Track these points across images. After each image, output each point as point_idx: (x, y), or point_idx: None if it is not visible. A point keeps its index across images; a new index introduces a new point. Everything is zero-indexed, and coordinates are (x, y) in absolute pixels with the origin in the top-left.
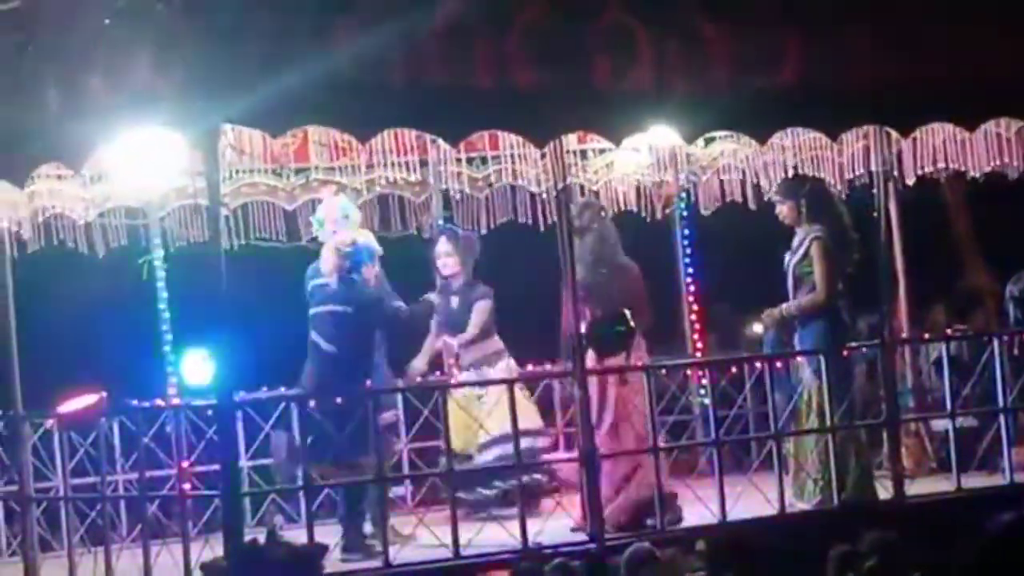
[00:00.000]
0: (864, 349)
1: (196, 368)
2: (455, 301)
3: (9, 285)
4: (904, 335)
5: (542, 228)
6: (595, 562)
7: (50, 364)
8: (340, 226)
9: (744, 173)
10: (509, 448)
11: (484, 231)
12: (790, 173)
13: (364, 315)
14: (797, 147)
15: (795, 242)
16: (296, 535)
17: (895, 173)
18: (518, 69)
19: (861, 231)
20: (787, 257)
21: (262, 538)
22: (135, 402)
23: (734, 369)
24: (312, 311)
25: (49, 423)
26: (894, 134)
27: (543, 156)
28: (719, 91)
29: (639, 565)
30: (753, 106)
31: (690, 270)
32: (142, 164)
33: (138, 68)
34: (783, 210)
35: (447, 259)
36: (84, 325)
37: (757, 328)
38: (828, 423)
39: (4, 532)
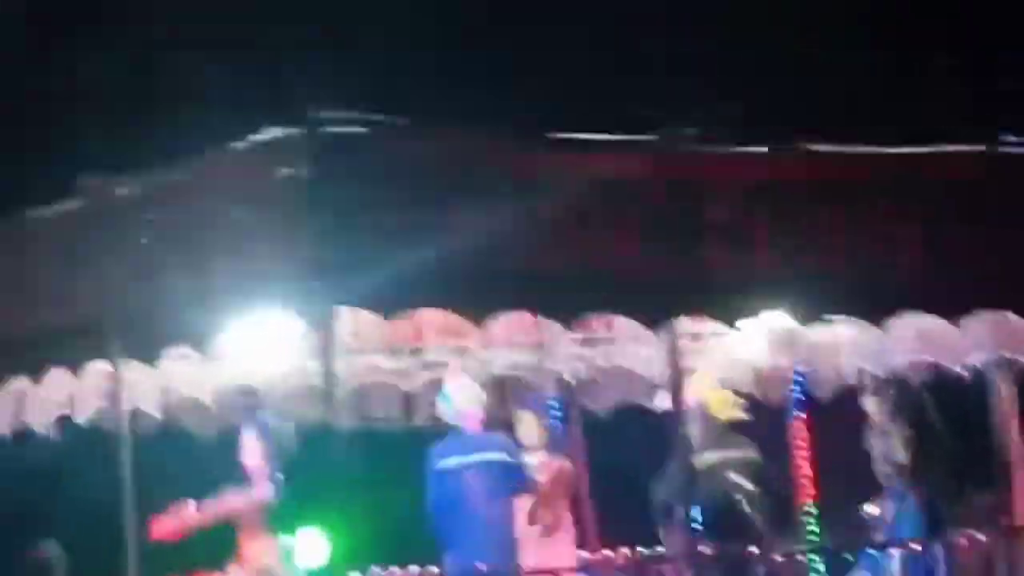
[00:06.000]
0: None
1: (308, 548)
2: None
3: (128, 466)
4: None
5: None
6: None
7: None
8: (473, 406)
9: (860, 357)
10: None
11: (601, 412)
12: (908, 358)
13: None
14: (916, 331)
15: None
16: None
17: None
18: (632, 253)
19: (974, 417)
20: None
21: None
22: None
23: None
24: None
25: None
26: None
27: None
28: (835, 277)
29: None
30: (871, 291)
31: (804, 454)
32: (261, 343)
33: (260, 250)
34: (869, 406)
35: None
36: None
37: (871, 509)
38: None
39: None
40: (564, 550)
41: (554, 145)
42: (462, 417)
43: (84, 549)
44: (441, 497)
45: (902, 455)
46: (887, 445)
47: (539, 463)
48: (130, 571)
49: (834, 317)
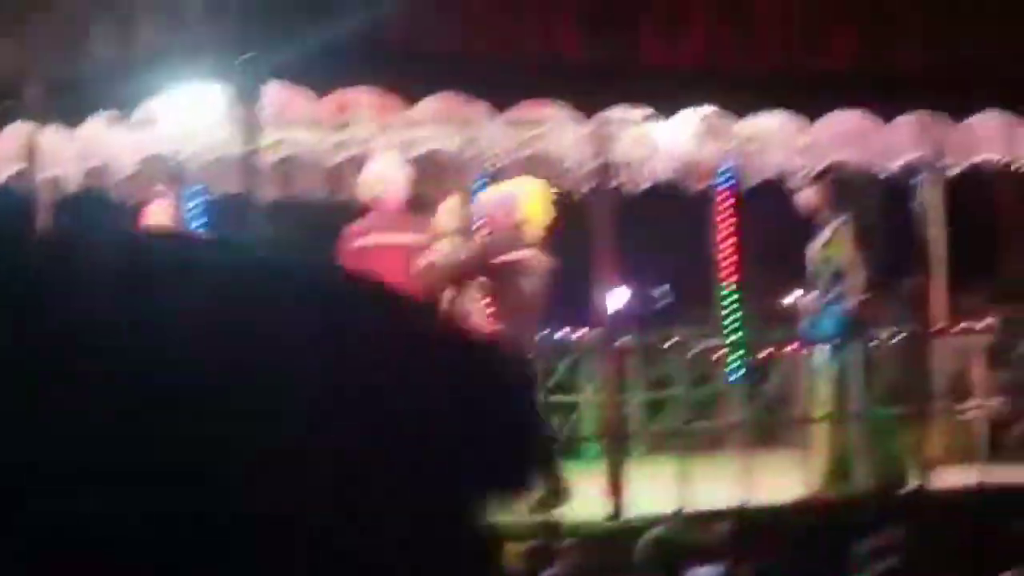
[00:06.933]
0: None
1: None
2: None
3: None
4: (940, 323)
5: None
6: (614, 541)
7: None
8: (395, 186)
9: (786, 151)
10: None
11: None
12: (834, 154)
13: None
14: (842, 128)
15: (820, 229)
16: None
17: (942, 160)
18: (568, 38)
19: (899, 218)
20: (810, 244)
21: None
22: None
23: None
24: None
25: None
26: (944, 120)
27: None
28: (769, 69)
29: (661, 548)
30: (802, 85)
31: (727, 243)
32: (185, 113)
33: (187, 20)
34: (808, 195)
35: None
36: None
37: (790, 299)
38: (844, 410)
39: None
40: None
41: None
42: (382, 196)
43: None
44: None
45: (842, 245)
46: (825, 235)
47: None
48: None
49: (764, 110)
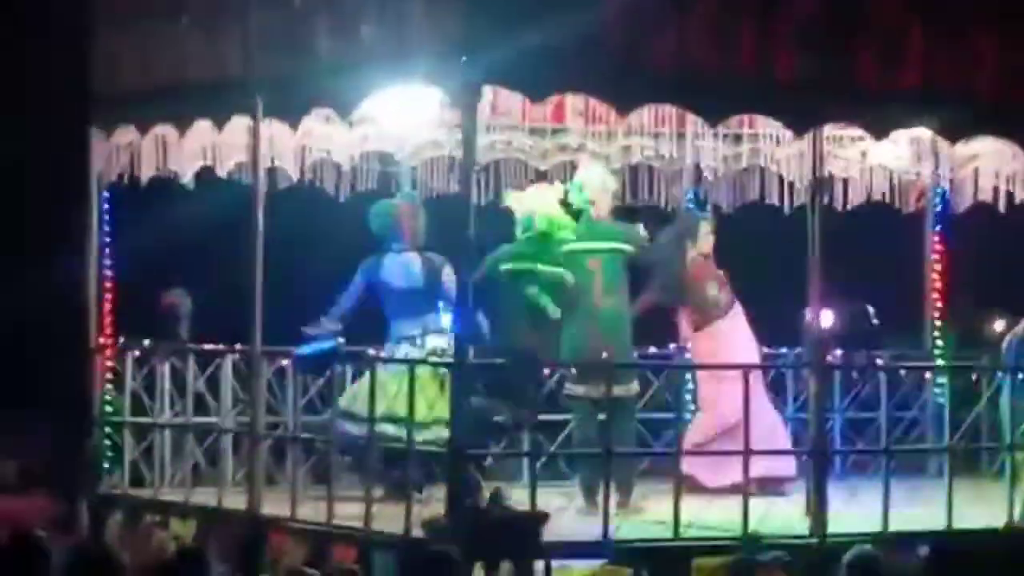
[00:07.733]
0: None
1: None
2: None
3: (260, 223)
4: None
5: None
6: (815, 558)
7: (294, 303)
8: (603, 194)
9: (999, 176)
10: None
11: (731, 209)
12: None
13: None
14: None
15: None
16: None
17: None
18: (784, 56)
19: None
20: None
21: (485, 500)
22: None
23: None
24: None
25: (285, 362)
26: None
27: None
28: (986, 96)
29: (862, 568)
30: (1019, 112)
31: (937, 267)
32: (401, 113)
33: (408, 21)
34: None
35: None
36: (329, 266)
37: (998, 326)
38: None
39: (232, 462)
40: None
41: None
42: (591, 203)
43: (211, 298)
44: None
45: None
46: None
47: None
48: (255, 327)
49: (979, 135)
